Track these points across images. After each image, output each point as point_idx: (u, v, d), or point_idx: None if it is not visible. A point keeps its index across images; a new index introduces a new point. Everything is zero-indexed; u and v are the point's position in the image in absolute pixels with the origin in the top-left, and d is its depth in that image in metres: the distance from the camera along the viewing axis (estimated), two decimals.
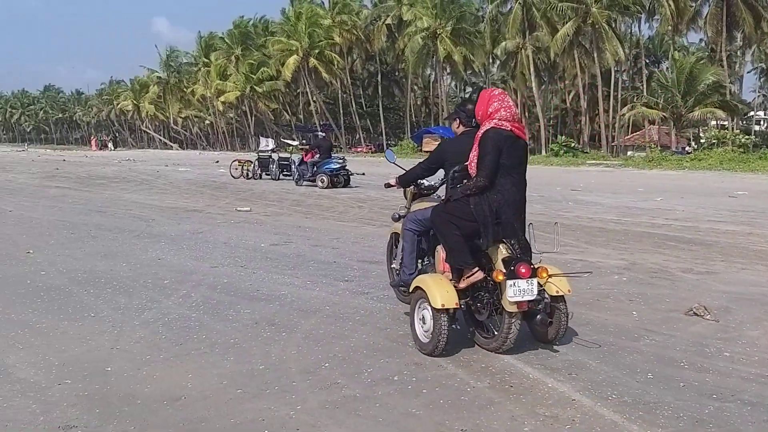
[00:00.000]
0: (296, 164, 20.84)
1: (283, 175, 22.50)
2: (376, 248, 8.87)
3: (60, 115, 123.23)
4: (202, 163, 36.90)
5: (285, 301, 5.97)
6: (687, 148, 45.21)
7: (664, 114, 42.02)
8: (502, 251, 4.37)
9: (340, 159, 20.08)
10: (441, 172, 4.99)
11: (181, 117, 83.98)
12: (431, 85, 66.55)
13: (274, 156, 23.12)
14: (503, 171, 4.35)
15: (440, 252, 4.78)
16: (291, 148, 23.90)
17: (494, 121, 4.40)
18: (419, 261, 5.25)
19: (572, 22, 45.00)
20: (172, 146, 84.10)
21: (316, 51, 58.85)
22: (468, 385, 3.98)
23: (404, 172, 5.33)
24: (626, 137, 52.26)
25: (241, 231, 10.29)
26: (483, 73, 61.01)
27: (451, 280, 4.53)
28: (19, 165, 29.26)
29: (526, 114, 56.41)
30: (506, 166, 4.36)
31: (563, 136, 51.85)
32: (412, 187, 5.50)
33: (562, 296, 4.49)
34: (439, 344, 4.36)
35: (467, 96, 71.27)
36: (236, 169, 23.09)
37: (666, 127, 45.48)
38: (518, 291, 4.17)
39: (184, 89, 79.79)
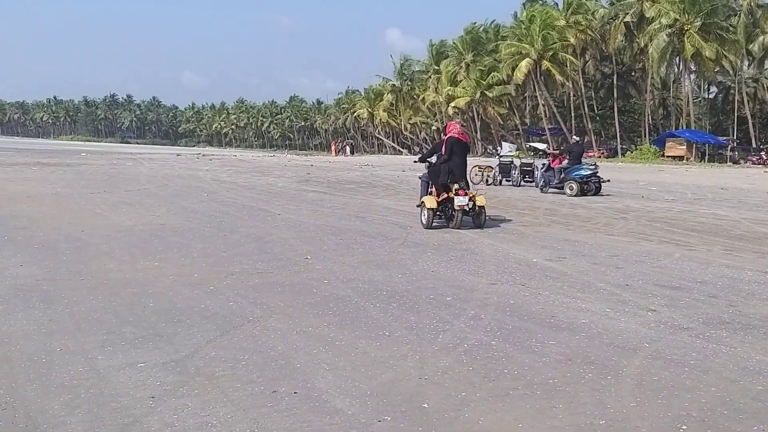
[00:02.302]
0: (541, 170, 19.89)
1: (525, 181, 21.68)
2: (670, 270, 7.77)
3: (302, 123, 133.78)
4: None
5: (591, 333, 5.20)
6: None
7: None
8: (455, 186, 10.91)
9: (592, 165, 18.76)
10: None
11: (410, 123, 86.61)
12: (671, 85, 61.31)
13: (516, 162, 22.37)
14: (454, 154, 11.17)
15: (432, 189, 11.36)
16: (520, 154, 22.97)
17: (451, 133, 11.41)
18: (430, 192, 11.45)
19: None
20: (402, 152, 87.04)
21: (549, 53, 57.02)
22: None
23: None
24: None
25: (505, 243, 9.69)
26: (732, 72, 54.70)
27: (437, 199, 11.02)
28: (275, 169, 31.68)
29: None
30: (456, 152, 11.20)
31: None
32: (426, 162, 11.99)
33: (482, 206, 11.15)
34: (429, 224, 10.88)
35: (712, 97, 65.00)
36: (476, 175, 22.71)
37: None
38: (460, 201, 10.77)
39: (415, 96, 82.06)
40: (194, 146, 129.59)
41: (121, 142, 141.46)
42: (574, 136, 20.42)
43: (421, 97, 79.68)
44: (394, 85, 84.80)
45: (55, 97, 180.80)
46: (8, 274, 7.12)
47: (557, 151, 19.80)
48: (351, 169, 32.71)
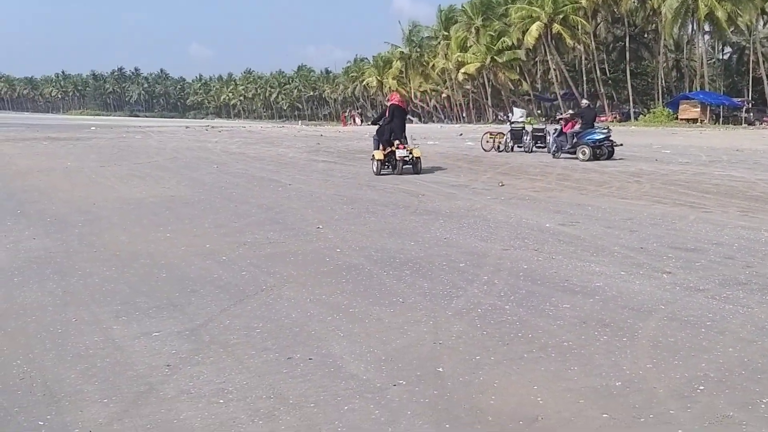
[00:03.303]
0: (553, 135, 19.68)
1: (537, 147, 21.48)
2: (684, 233, 7.70)
3: (311, 93, 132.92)
4: (446, 136, 36.97)
5: (606, 296, 5.16)
6: None
7: None
8: (396, 142, 14.52)
9: (605, 129, 18.54)
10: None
11: (420, 91, 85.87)
12: (684, 47, 60.29)
13: (528, 127, 22.14)
14: (395, 117, 14.78)
15: (380, 144, 14.77)
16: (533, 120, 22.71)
17: (392, 101, 15.30)
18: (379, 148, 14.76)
19: None
20: (412, 120, 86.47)
21: (560, 16, 56.17)
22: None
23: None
24: None
25: (517, 208, 9.63)
26: (747, 32, 53.60)
27: (383, 153, 14.61)
28: (284, 140, 31.55)
29: None
30: (396, 116, 14.83)
31: None
32: (377, 125, 15.35)
33: (419, 156, 14.79)
34: (379, 171, 14.44)
35: (726, 58, 63.85)
36: (488, 141, 22.53)
37: None
38: (401, 153, 14.38)
39: (425, 63, 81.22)
40: (203, 118, 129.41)
41: (130, 116, 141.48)
42: (584, 100, 20.13)
43: (430, 64, 78.89)
44: (402, 52, 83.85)
45: (63, 72, 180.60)
46: (22, 246, 7.15)
47: (569, 116, 19.55)
48: (361, 139, 32.50)
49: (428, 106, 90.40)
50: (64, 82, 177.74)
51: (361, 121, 78.08)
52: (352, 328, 4.49)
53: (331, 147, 25.47)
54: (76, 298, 5.22)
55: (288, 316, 4.73)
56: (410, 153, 14.60)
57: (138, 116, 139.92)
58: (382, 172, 14.45)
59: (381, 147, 14.70)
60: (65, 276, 5.89)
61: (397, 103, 15.20)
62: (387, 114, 14.93)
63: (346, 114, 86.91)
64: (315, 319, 4.67)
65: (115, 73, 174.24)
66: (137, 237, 7.68)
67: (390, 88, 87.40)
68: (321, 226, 8.30)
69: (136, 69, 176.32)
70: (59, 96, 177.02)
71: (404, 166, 14.49)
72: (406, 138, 14.96)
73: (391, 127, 14.69)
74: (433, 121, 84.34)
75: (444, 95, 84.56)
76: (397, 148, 14.40)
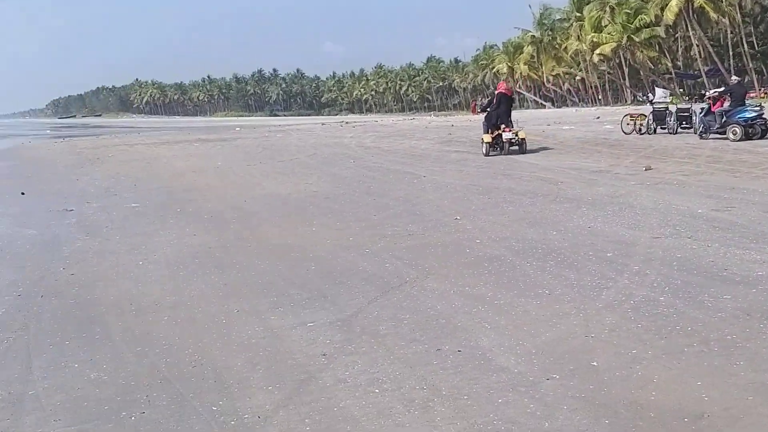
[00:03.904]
0: (700, 115, 18.44)
1: (682, 128, 20.21)
2: None
3: (440, 84, 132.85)
4: (582, 120, 35.71)
5: None
6: None
7: None
8: (502, 126, 16.03)
9: (756, 107, 17.13)
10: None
11: (552, 75, 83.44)
12: None
13: (672, 108, 20.90)
14: (501, 104, 16.36)
15: (488, 128, 16.30)
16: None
17: (499, 90, 16.88)
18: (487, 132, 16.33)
19: None
20: (545, 105, 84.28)
21: None
22: None
23: None
24: None
25: (664, 194, 9.14)
26: None
27: (491, 136, 16.16)
28: (416, 132, 31.80)
29: None
30: (502, 103, 16.41)
31: None
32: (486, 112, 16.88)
33: (524, 138, 16.24)
34: (487, 153, 15.96)
35: None
36: (628, 124, 21.48)
37: None
38: (507, 136, 15.91)
39: (557, 46, 78.81)
40: (336, 115, 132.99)
41: (270, 115, 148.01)
42: (734, 77, 18.67)
43: (563, 46, 76.39)
44: (533, 36, 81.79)
45: (208, 77, 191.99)
46: (184, 242, 7.72)
47: (717, 93, 18.21)
48: None
49: (561, 89, 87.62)
50: (209, 86, 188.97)
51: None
52: (498, 320, 4.48)
53: (462, 137, 25.35)
54: (235, 290, 5.58)
55: (433, 307, 4.80)
56: (516, 135, 16.17)
57: (277, 115, 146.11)
58: (490, 154, 16.06)
59: (489, 131, 16.27)
60: (224, 269, 6.30)
61: (503, 91, 16.94)
62: (494, 101, 16.59)
63: (477, 102, 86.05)
64: (460, 311, 4.71)
65: (255, 75, 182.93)
66: (286, 231, 8.07)
67: (521, 73, 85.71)
68: (459, 217, 8.31)
69: (274, 70, 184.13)
70: (205, 99, 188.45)
71: (510, 147, 16.04)
72: (511, 122, 16.50)
73: (498, 113, 16.28)
74: (567, 105, 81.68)
75: (578, 78, 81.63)
76: (503, 131, 16.01)
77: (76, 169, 19.05)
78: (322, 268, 6.12)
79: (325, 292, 5.35)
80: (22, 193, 13.18)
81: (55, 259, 7.14)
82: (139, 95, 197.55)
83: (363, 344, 4.14)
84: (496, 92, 17.00)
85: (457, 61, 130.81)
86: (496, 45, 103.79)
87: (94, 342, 4.47)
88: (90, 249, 7.60)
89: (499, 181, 11.57)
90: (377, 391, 3.46)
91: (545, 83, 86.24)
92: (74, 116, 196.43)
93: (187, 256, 6.96)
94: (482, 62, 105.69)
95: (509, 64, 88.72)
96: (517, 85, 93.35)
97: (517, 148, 16.17)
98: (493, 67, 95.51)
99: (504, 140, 15.95)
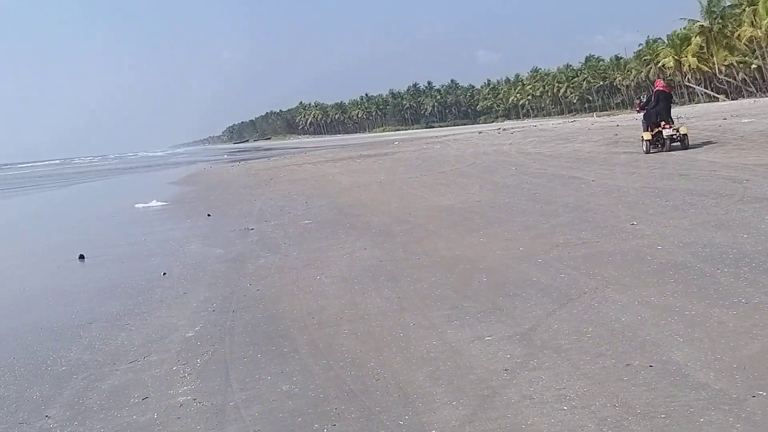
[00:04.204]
0: None
1: None
2: None
3: (600, 83, 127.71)
4: (763, 111, 32.61)
5: None
6: None
7: None
8: (662, 123, 16.19)
9: None
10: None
11: (724, 65, 77.27)
12: None
13: None
14: (661, 101, 16.37)
15: (647, 126, 16.47)
16: None
17: (658, 88, 16.86)
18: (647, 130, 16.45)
19: None
20: (717, 97, 78.11)
21: None
22: None
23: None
24: None
25: None
26: None
27: (651, 133, 16.28)
28: (578, 134, 30.70)
29: None
30: (661, 100, 16.41)
31: None
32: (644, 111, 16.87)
33: (685, 133, 16.26)
34: (648, 150, 16.14)
35: None
36: None
37: None
38: (667, 132, 16.01)
39: (728, 35, 72.97)
40: (492, 122, 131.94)
41: (425, 128, 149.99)
42: None
43: (736, 34, 70.61)
44: (702, 26, 76.37)
45: (366, 95, 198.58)
46: (356, 257, 7.98)
47: None
48: None
49: (736, 80, 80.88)
50: (367, 104, 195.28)
51: None
52: (691, 332, 4.17)
53: (630, 137, 24.07)
54: (409, 303, 5.66)
55: (617, 319, 4.56)
56: (677, 131, 16.21)
57: (433, 127, 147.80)
58: (651, 151, 16.19)
59: (649, 128, 16.43)
60: (397, 282, 6.42)
61: (661, 88, 16.92)
62: (653, 99, 16.71)
63: (639, 100, 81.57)
64: (648, 322, 4.44)
65: (411, 90, 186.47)
66: (453, 243, 8.09)
67: (689, 66, 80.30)
68: (635, 223, 7.88)
69: (429, 83, 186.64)
70: (364, 116, 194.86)
71: (672, 144, 16.10)
72: (672, 119, 16.71)
73: (657, 110, 16.41)
74: (743, 97, 75.15)
75: (754, 66, 74.93)
76: (663, 128, 16.11)
77: (252, 190, 20.40)
78: (494, 280, 6.05)
79: (500, 304, 5.28)
80: (208, 215, 14.30)
81: (242, 276, 7.66)
82: (303, 117, 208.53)
83: (545, 359, 4.02)
84: (654, 90, 17.13)
85: (618, 58, 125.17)
86: (659, 39, 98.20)
87: (282, 355, 4.72)
88: (272, 265, 8.07)
89: (675, 182, 10.84)
90: (566, 408, 3.34)
91: (717, 74, 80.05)
92: (247, 140, 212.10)
93: (360, 270, 7.18)
94: (645, 58, 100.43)
95: (675, 57, 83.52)
96: (686, 79, 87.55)
97: (678, 144, 16.17)
98: (658, 62, 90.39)
99: (664, 137, 16.02)
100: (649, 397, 3.35)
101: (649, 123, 16.41)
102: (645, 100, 17.62)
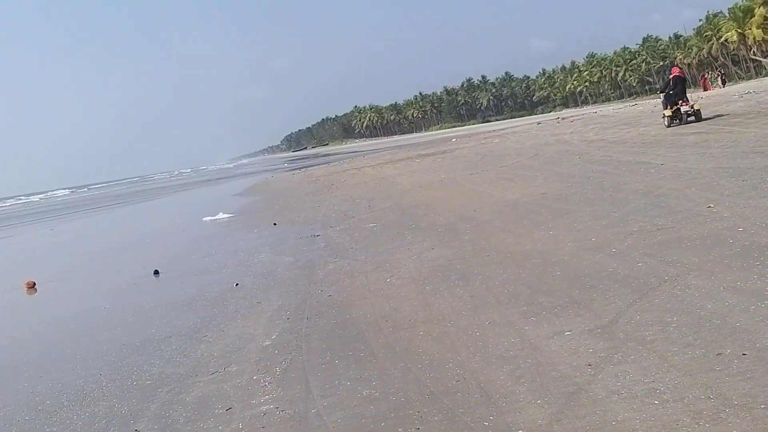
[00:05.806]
0: None
1: None
2: None
3: (660, 64, 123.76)
4: None
5: None
6: None
7: None
8: (680, 102, 19.75)
9: None
10: None
11: None
12: None
13: None
14: (678, 85, 20.12)
15: (667, 105, 20.14)
16: None
17: (674, 74, 20.81)
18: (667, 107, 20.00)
19: None
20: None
21: None
22: None
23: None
24: None
25: None
26: None
27: (672, 110, 19.73)
28: (642, 118, 29.75)
29: None
30: (677, 83, 20.17)
31: None
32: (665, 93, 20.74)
33: (698, 109, 19.70)
34: (670, 125, 19.49)
35: None
36: None
37: None
38: (684, 109, 19.53)
39: None
40: (550, 111, 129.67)
41: (482, 122, 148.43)
42: None
43: None
44: None
45: (420, 93, 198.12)
46: (424, 257, 7.95)
47: None
48: (730, 101, 29.07)
49: None
50: (422, 102, 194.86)
51: (724, 82, 69.52)
52: None
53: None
54: (483, 301, 5.59)
55: (703, 307, 4.39)
56: (692, 107, 19.60)
57: (489, 121, 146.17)
58: (671, 125, 19.36)
59: (669, 107, 19.88)
60: (468, 281, 6.36)
61: (677, 74, 20.71)
62: (671, 83, 20.30)
63: (708, 76, 78.52)
64: (736, 309, 4.25)
65: (465, 85, 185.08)
66: (522, 237, 7.96)
67: (754, 38, 77.03)
68: (712, 205, 7.58)
69: (483, 77, 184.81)
70: (419, 115, 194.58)
71: (688, 118, 19.30)
72: (687, 98, 20.23)
73: (676, 91, 19.96)
74: None
75: None
76: (681, 105, 19.58)
77: (315, 196, 20.63)
78: (568, 273, 5.92)
79: (576, 297, 5.15)
80: (274, 224, 14.52)
81: (312, 283, 7.74)
82: (359, 120, 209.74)
83: (630, 352, 3.90)
84: (671, 76, 20.87)
85: (677, 36, 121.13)
86: (720, 12, 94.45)
87: (360, 359, 4.73)
88: (341, 270, 8.13)
89: (751, 160, 10.38)
90: (657, 402, 3.22)
91: None
92: (305, 148, 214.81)
93: (430, 270, 7.14)
94: (706, 34, 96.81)
95: (739, 30, 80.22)
96: (752, 52, 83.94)
97: (693, 118, 19.46)
98: (720, 37, 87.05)
99: (682, 112, 19.46)
100: (745, 387, 3.21)
101: (669, 102, 19.99)
102: (663, 84, 21.68)
